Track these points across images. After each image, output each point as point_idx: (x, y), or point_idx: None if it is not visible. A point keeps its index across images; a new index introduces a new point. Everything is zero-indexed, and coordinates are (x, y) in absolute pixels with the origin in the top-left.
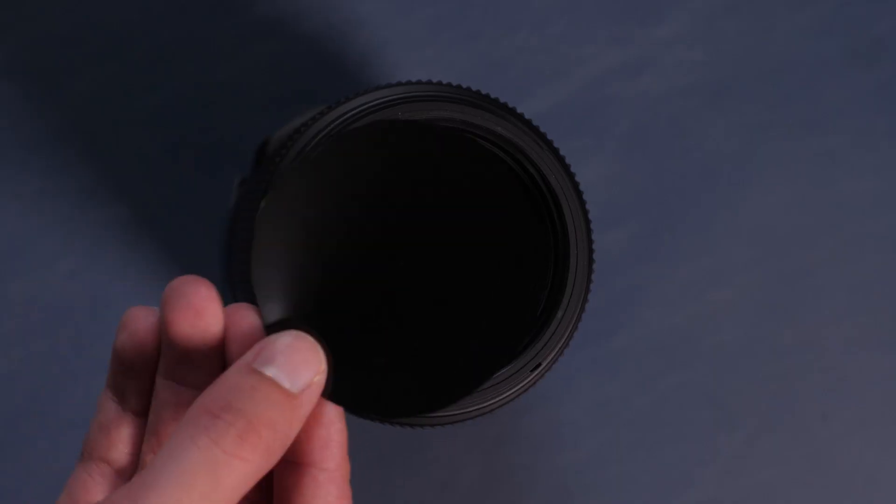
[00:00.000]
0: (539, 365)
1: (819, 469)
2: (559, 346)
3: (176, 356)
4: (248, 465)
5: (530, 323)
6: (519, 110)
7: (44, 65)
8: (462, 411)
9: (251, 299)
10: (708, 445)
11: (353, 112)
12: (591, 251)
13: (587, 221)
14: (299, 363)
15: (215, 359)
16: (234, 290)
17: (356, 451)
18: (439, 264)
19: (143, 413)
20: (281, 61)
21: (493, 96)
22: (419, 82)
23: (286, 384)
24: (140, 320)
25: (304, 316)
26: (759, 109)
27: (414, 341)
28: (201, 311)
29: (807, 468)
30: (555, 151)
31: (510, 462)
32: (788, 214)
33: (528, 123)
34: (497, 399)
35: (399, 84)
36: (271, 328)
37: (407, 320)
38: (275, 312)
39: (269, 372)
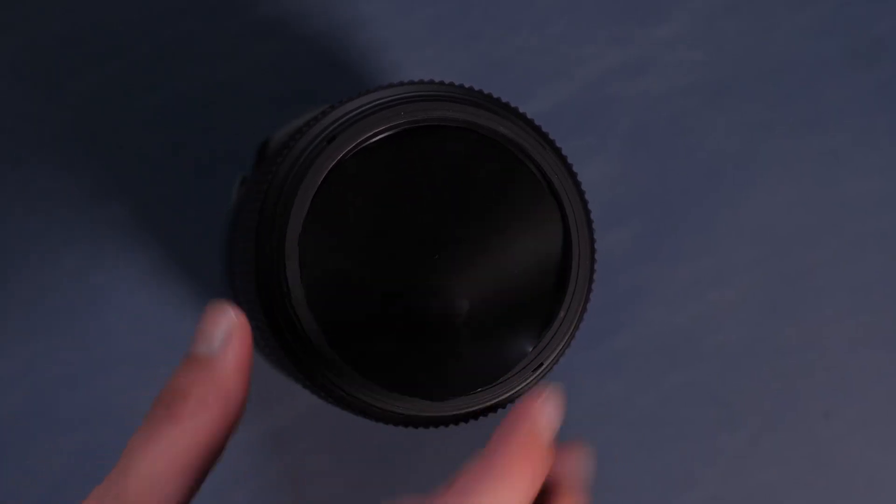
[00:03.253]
0: (541, 365)
1: (821, 468)
2: (561, 345)
3: None
4: (181, 430)
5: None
6: (521, 110)
7: (44, 65)
8: (464, 411)
9: (252, 299)
10: (710, 445)
11: (355, 112)
12: (593, 251)
13: (589, 221)
14: (209, 327)
15: None
16: (234, 289)
17: (357, 451)
18: (467, 263)
19: None
20: (282, 61)
21: (494, 96)
22: (421, 82)
23: (203, 350)
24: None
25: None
26: (760, 109)
27: (437, 338)
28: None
29: (809, 467)
30: (557, 151)
31: None
32: (790, 214)
33: (530, 123)
34: (499, 398)
35: (401, 84)
36: None
37: (431, 319)
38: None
39: (190, 351)
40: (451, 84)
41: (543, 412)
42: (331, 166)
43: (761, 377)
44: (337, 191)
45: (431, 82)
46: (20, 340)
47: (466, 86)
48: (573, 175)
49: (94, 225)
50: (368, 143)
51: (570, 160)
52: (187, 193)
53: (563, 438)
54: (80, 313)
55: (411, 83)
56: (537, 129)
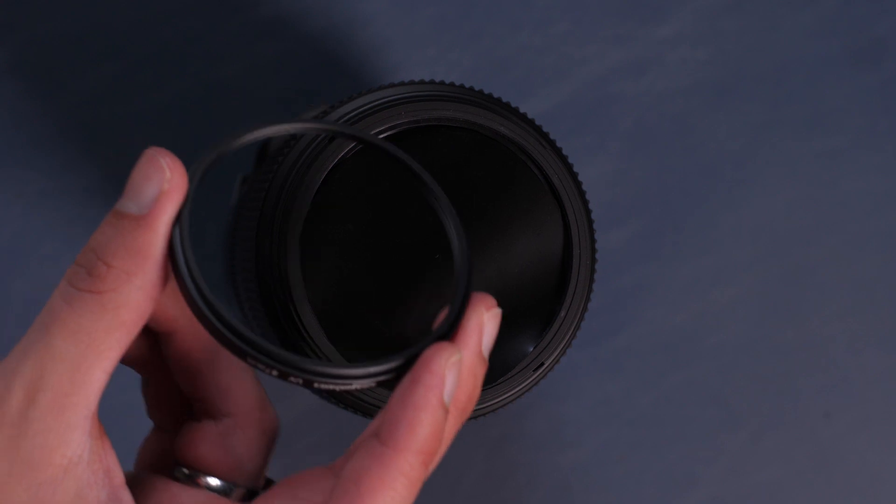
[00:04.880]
0: (542, 364)
1: (822, 467)
2: (561, 345)
3: None
4: (102, 296)
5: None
6: (522, 110)
7: (46, 64)
8: None
9: (254, 298)
10: (711, 444)
11: (356, 111)
12: (593, 251)
13: (590, 221)
14: (140, 182)
15: None
16: (235, 288)
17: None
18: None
19: None
20: (283, 61)
21: (495, 96)
22: (422, 82)
23: (132, 209)
24: None
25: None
26: (761, 109)
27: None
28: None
29: (810, 466)
30: (557, 151)
31: (512, 461)
32: (791, 213)
33: (530, 123)
34: (499, 398)
35: (402, 84)
36: None
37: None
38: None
39: (117, 205)
40: (452, 84)
41: (450, 381)
42: (331, 166)
43: (761, 376)
44: (337, 190)
45: (432, 82)
46: (20, 340)
47: (467, 86)
48: (574, 175)
49: (94, 225)
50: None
51: (571, 159)
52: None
53: (564, 438)
54: None
55: (411, 83)
56: (538, 129)
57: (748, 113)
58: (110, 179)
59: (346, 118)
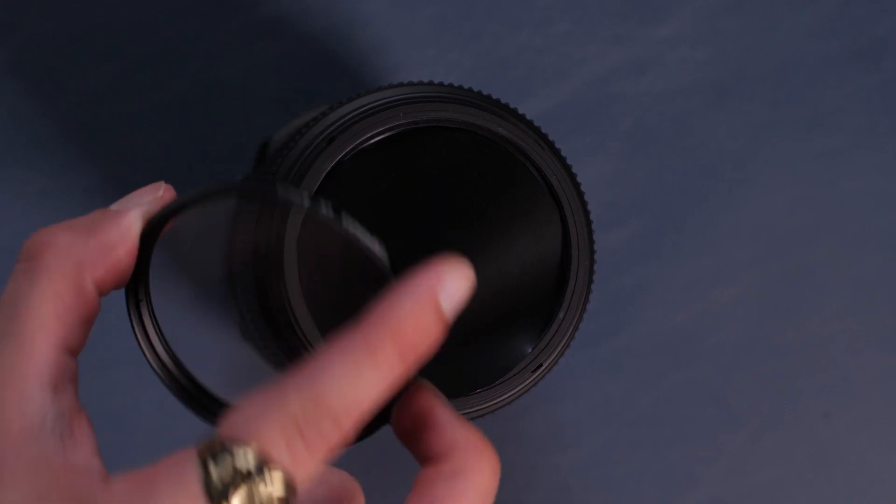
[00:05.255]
0: (540, 365)
1: (822, 467)
2: (560, 346)
3: None
4: (36, 264)
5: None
6: (521, 110)
7: (45, 64)
8: (464, 412)
9: (251, 300)
10: (710, 444)
11: (354, 113)
12: (592, 252)
13: (588, 222)
14: (134, 194)
15: None
16: (234, 292)
17: (356, 451)
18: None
19: None
20: (283, 61)
21: (494, 96)
22: (420, 83)
23: (113, 206)
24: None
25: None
26: (761, 109)
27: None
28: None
29: (810, 466)
30: (556, 152)
31: (512, 461)
32: (791, 213)
33: (529, 124)
34: (498, 399)
35: (401, 85)
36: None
37: None
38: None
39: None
40: (450, 85)
41: (449, 284)
42: (330, 167)
43: (761, 376)
44: (336, 191)
45: (430, 83)
46: None
47: (466, 86)
48: (572, 176)
49: None
50: (367, 144)
51: (570, 160)
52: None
53: (564, 438)
54: None
55: (410, 84)
56: (536, 130)
57: (748, 113)
58: (110, 179)
59: (344, 119)
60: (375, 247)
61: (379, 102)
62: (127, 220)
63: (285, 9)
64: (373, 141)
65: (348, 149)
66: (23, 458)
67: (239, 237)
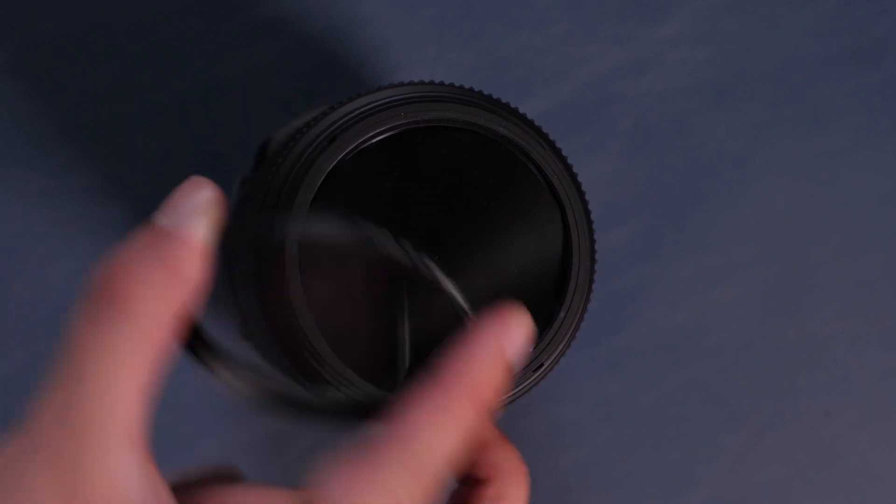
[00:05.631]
0: (541, 365)
1: (823, 467)
2: (561, 346)
3: None
4: (125, 308)
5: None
6: (522, 110)
7: (45, 64)
8: None
9: (251, 301)
10: (711, 444)
11: (355, 113)
12: (593, 252)
13: (589, 222)
14: (178, 198)
15: None
16: (234, 292)
17: None
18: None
19: None
20: (283, 61)
21: (495, 96)
22: (421, 83)
23: (164, 222)
24: None
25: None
26: (761, 109)
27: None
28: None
29: (810, 466)
30: (557, 151)
31: None
32: (791, 213)
33: (530, 123)
34: (499, 399)
35: (401, 84)
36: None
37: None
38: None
39: (152, 219)
40: (451, 85)
41: (515, 338)
42: (331, 167)
43: (762, 376)
44: (337, 191)
45: (431, 83)
46: (20, 340)
47: (466, 86)
48: (573, 175)
49: (94, 225)
50: (368, 143)
51: (571, 159)
52: None
53: (564, 438)
54: None
55: (411, 84)
56: (537, 130)
57: (748, 113)
58: (110, 179)
59: (345, 119)
60: (455, 290)
61: (380, 102)
62: (197, 244)
63: (285, 9)
64: (374, 140)
65: (350, 148)
66: None
67: (239, 236)
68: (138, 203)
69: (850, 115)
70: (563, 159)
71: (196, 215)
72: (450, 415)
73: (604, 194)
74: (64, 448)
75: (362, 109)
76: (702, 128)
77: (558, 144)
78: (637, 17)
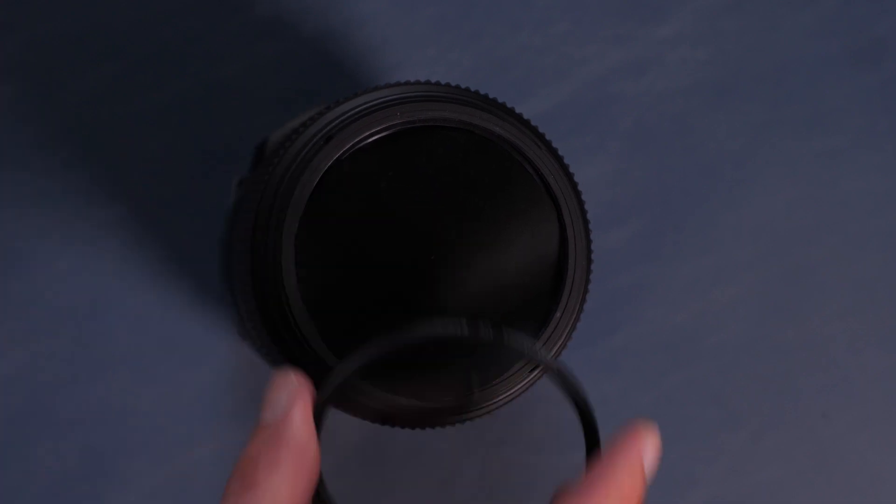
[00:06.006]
0: (538, 365)
1: (822, 467)
2: (557, 346)
3: None
4: (255, 491)
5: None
6: (521, 110)
7: (46, 64)
8: (463, 412)
9: (249, 299)
10: (710, 444)
11: (352, 112)
12: (589, 252)
13: (586, 222)
14: (272, 394)
15: None
16: (232, 289)
17: (357, 451)
18: (463, 263)
19: None
20: (282, 61)
21: (491, 96)
22: (417, 82)
23: (269, 418)
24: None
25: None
26: (761, 109)
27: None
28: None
29: (810, 466)
30: (553, 151)
31: (510, 462)
32: (791, 213)
33: (526, 123)
34: (496, 399)
35: (397, 84)
36: None
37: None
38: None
39: (259, 419)
40: (448, 84)
41: (650, 453)
42: (327, 166)
43: (761, 377)
44: (333, 191)
45: (428, 83)
46: (20, 340)
47: (463, 86)
48: (569, 175)
49: (94, 225)
50: (365, 143)
51: (571, 160)
52: (187, 193)
53: (562, 439)
54: (79, 313)
55: (407, 83)
56: (533, 130)
57: (748, 113)
58: (110, 179)
59: (341, 119)
60: (590, 408)
61: (376, 101)
62: (300, 427)
63: (285, 9)
64: (370, 140)
65: (346, 147)
66: None
67: (237, 236)
68: (138, 203)
69: (850, 115)
70: (559, 158)
71: (290, 405)
72: None
73: (603, 194)
74: None
75: (359, 109)
76: (702, 128)
77: (558, 144)
78: (637, 17)
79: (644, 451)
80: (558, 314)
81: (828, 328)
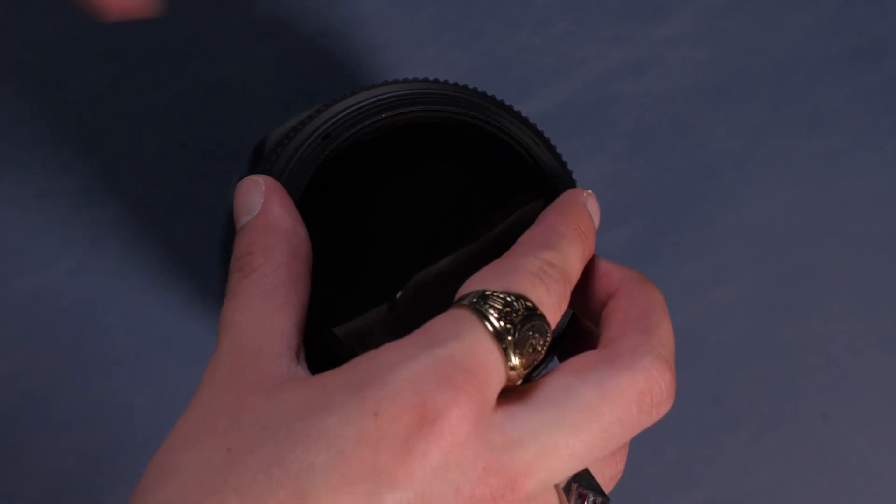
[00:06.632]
0: (538, 366)
1: (822, 467)
2: (557, 346)
3: None
4: (256, 272)
5: None
6: (521, 110)
7: (45, 64)
8: None
9: None
10: (710, 444)
11: (350, 109)
12: None
13: None
14: (242, 199)
15: None
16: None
17: None
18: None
19: None
20: (282, 61)
21: (489, 94)
22: (416, 80)
23: (247, 218)
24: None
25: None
26: (761, 109)
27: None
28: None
29: (810, 466)
30: (552, 150)
31: None
32: (790, 213)
33: (525, 122)
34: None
35: (396, 82)
36: None
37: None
38: None
39: (237, 226)
40: (447, 82)
41: (590, 203)
42: (325, 165)
43: (761, 377)
44: (331, 188)
45: (427, 80)
46: (20, 340)
47: (462, 84)
48: (569, 174)
49: (94, 225)
50: (362, 141)
51: (571, 160)
52: (187, 193)
53: None
54: (79, 313)
55: (406, 81)
56: (533, 128)
57: (748, 113)
58: (110, 179)
59: (340, 116)
60: None
61: (375, 99)
62: (276, 213)
63: (285, 9)
64: (369, 138)
65: (344, 145)
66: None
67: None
68: (138, 203)
69: (850, 115)
70: (557, 157)
71: (265, 199)
72: (567, 236)
73: (604, 194)
74: (244, 371)
75: (358, 106)
76: (702, 128)
77: (558, 144)
78: (637, 17)
79: (586, 197)
80: None
81: (828, 328)
